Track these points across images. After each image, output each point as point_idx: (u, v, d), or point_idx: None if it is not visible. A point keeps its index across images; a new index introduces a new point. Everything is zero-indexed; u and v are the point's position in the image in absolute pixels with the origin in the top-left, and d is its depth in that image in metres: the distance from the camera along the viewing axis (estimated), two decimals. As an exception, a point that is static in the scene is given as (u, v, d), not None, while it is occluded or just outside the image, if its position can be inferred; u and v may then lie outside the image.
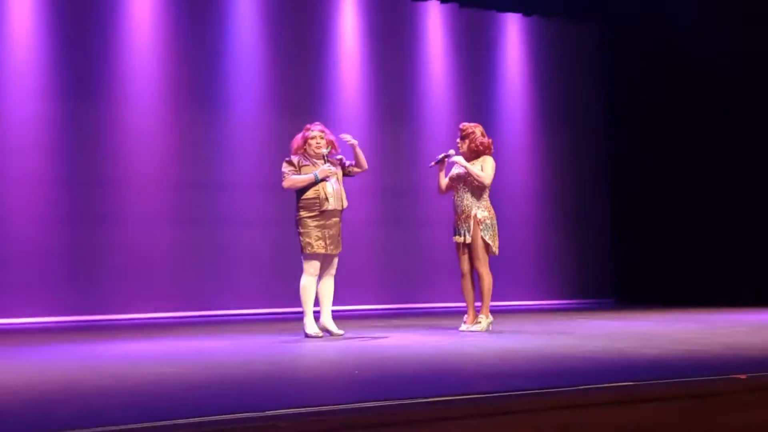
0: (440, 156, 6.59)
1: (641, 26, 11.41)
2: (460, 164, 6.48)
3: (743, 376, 3.44)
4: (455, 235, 6.54)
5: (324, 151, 6.20)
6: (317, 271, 6.13)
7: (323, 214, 6.10)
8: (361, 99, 10.28)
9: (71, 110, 8.73)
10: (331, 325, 6.19)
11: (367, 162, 6.44)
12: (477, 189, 6.48)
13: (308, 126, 6.32)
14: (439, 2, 10.83)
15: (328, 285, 6.23)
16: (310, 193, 6.12)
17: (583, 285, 11.43)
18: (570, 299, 11.30)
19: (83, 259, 8.66)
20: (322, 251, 6.08)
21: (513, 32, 11.46)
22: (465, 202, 6.49)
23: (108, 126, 8.93)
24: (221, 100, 9.53)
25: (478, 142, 6.54)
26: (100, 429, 2.39)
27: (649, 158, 11.43)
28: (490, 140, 6.63)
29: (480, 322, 6.46)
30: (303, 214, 6.12)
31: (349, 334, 6.18)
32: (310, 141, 6.22)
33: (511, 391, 3.19)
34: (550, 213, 11.41)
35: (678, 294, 10.61)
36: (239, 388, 3.50)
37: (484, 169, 6.48)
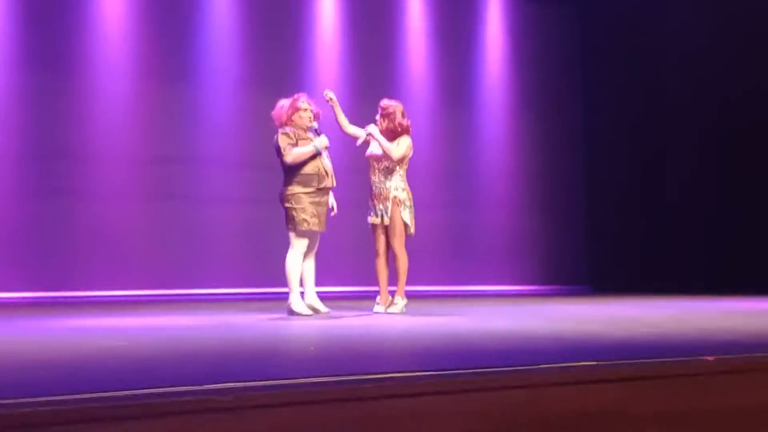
0: (364, 135, 6.40)
1: (621, 8, 11.32)
2: (372, 135, 6.34)
3: (711, 359, 3.34)
4: (372, 215, 6.41)
5: (315, 124, 6.08)
6: (305, 249, 5.99)
7: (319, 191, 5.97)
8: (339, 75, 10.14)
9: (40, 82, 8.53)
10: (318, 304, 6.10)
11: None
12: (393, 169, 6.33)
13: (297, 96, 6.13)
14: (420, -19, 10.70)
15: (311, 264, 6.12)
16: (308, 168, 5.95)
17: (558, 271, 11.38)
18: (545, 285, 11.24)
19: (51, 235, 8.49)
20: (317, 228, 5.96)
21: (494, 13, 11.35)
22: (382, 182, 6.36)
23: (79, 99, 8.75)
24: (196, 74, 9.36)
25: (396, 123, 6.40)
26: (31, 399, 2.25)
27: (626, 142, 11.38)
28: (409, 122, 6.49)
29: (396, 304, 6.36)
30: (298, 189, 5.94)
31: (333, 313, 6.07)
32: (301, 113, 6.04)
33: (474, 368, 3.08)
34: (526, 197, 11.35)
35: (655, 281, 10.57)
36: (190, 361, 3.37)
37: (398, 146, 6.34)
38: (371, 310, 6.37)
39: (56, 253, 8.48)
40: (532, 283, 11.21)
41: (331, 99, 6.34)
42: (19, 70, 8.45)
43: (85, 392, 2.29)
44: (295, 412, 2.47)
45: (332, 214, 6.21)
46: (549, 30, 11.57)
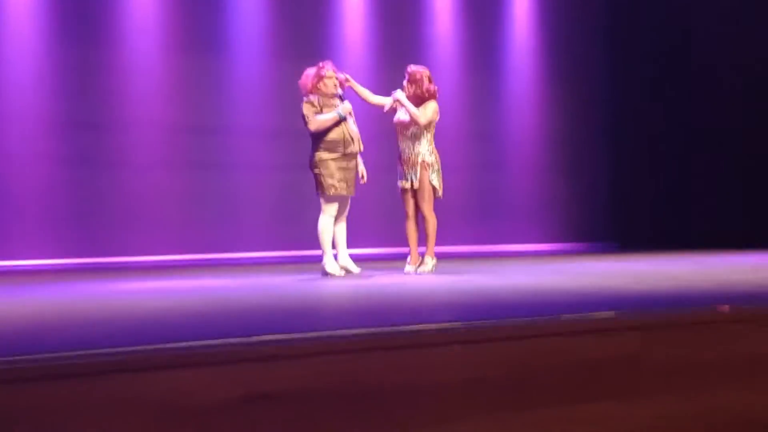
0: (392, 102, 6.52)
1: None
2: (400, 101, 6.46)
3: (726, 308, 3.51)
4: (401, 180, 6.54)
5: (340, 91, 6.25)
6: (336, 212, 6.20)
7: (345, 156, 6.15)
8: (366, 42, 10.22)
9: (75, 53, 8.73)
10: (351, 264, 6.33)
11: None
12: (421, 134, 6.47)
13: (321, 64, 6.29)
14: (445, -56, 10.70)
15: (342, 227, 6.33)
16: (333, 135, 6.12)
17: (585, 229, 11.46)
18: (573, 243, 11.35)
19: (91, 202, 8.73)
20: (344, 193, 6.15)
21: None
22: (411, 148, 6.48)
23: (114, 70, 8.93)
24: (226, 43, 9.51)
25: (424, 88, 6.49)
26: (92, 351, 2.48)
27: (651, 101, 11.37)
28: (436, 88, 6.60)
29: (426, 263, 6.53)
30: (324, 155, 6.12)
31: (365, 273, 6.31)
32: (326, 80, 6.20)
33: (499, 319, 3.28)
34: (552, 157, 11.39)
35: (682, 237, 10.59)
36: (235, 316, 3.60)
37: (425, 111, 6.47)
38: (402, 271, 6.57)
39: (93, 220, 8.72)
40: (560, 242, 11.33)
41: (347, 79, 6.45)
42: (54, 41, 8.65)
43: (148, 344, 2.53)
44: (333, 360, 2.69)
45: (362, 182, 6.39)
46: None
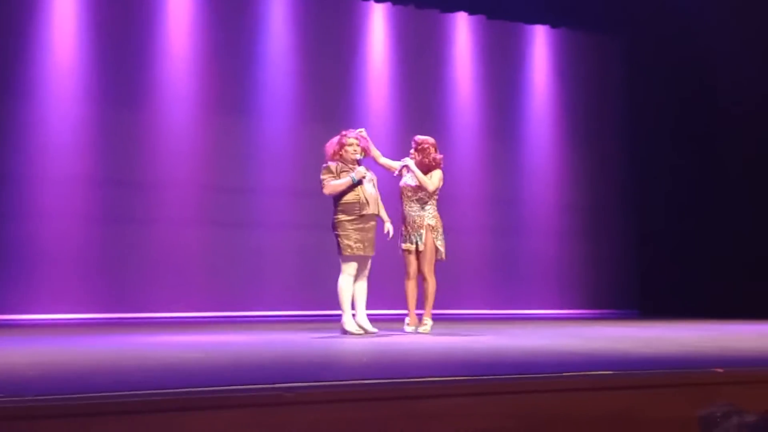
0: (401, 167, 6.86)
1: (667, 38, 11.53)
2: (410, 168, 6.77)
3: (720, 370, 3.71)
4: (405, 243, 6.78)
5: (359, 156, 6.57)
6: (355, 272, 6.44)
7: (362, 217, 6.40)
8: (389, 108, 10.55)
9: (108, 114, 9.10)
10: (367, 324, 6.51)
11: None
12: (426, 199, 6.77)
13: (344, 132, 6.62)
14: (467, 14, 11.10)
15: (362, 286, 6.53)
16: (349, 197, 6.41)
17: (606, 296, 11.49)
18: (593, 309, 11.38)
19: (119, 259, 9.00)
20: (361, 253, 6.37)
21: (540, 44, 11.66)
22: (416, 211, 6.77)
23: (144, 130, 9.28)
24: (254, 106, 9.86)
25: (431, 157, 6.83)
26: (125, 393, 2.75)
27: (673, 167, 11.48)
28: (442, 156, 6.91)
29: (426, 324, 6.73)
30: (342, 217, 6.41)
31: (381, 332, 6.48)
32: (347, 147, 6.52)
33: (503, 374, 3.51)
34: (573, 224, 11.47)
35: (707, 305, 10.44)
36: (259, 366, 3.86)
37: (432, 179, 6.77)
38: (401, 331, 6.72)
39: (122, 277, 9.00)
40: (580, 308, 11.37)
41: (364, 137, 6.76)
42: (88, 103, 9.04)
43: (179, 389, 2.79)
44: (350, 407, 2.93)
45: (388, 238, 6.65)
46: (593, 59, 11.82)
